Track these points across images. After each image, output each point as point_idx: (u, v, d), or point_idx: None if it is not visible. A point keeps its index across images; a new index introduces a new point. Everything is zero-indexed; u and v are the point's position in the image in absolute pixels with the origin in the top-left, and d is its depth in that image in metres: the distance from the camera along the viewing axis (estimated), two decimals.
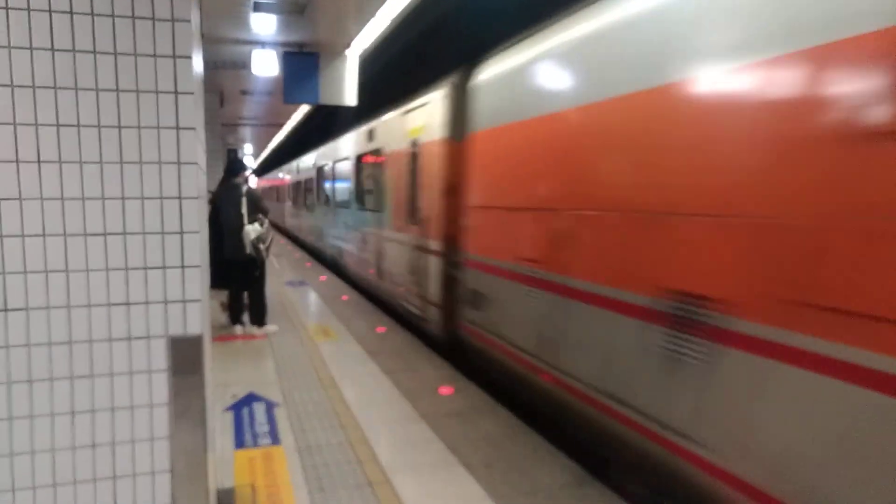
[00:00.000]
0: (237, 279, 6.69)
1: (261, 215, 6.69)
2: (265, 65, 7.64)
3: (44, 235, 2.14)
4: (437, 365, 5.77)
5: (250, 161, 30.38)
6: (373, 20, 6.47)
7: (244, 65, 8.39)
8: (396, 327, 7.38)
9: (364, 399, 4.77)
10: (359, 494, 3.28)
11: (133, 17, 2.15)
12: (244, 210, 6.47)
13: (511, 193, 4.68)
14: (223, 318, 7.04)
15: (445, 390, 4.99)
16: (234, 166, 6.91)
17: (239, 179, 6.76)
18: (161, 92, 2.21)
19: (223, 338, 6.60)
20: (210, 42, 7.47)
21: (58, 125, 2.11)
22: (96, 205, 2.17)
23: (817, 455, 2.29)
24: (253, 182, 32.28)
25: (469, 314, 5.48)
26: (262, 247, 6.56)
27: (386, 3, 5.93)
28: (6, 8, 2.02)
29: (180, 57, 2.22)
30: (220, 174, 7.10)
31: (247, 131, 19.19)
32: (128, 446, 2.31)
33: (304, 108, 13.06)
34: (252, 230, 6.46)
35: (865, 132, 2.11)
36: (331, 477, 3.47)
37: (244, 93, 11.52)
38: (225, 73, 9.22)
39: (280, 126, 17.37)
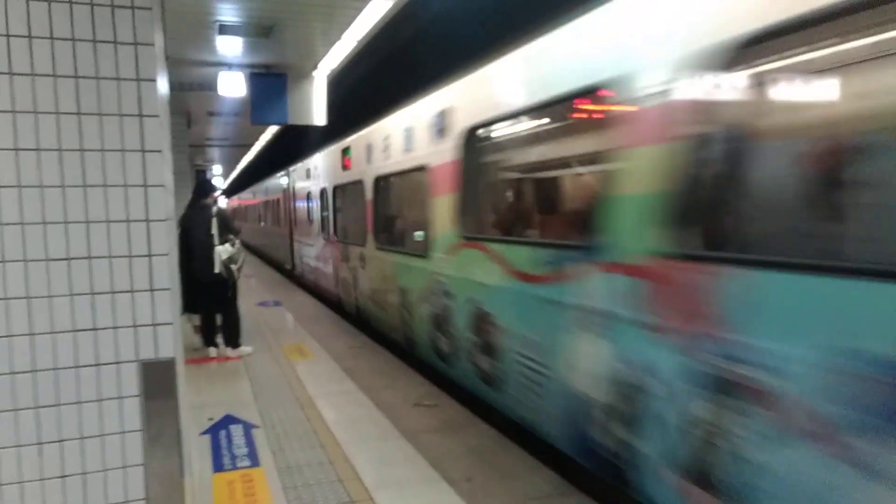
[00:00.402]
0: (209, 301, 6.61)
1: (231, 235, 6.64)
2: (232, 86, 7.61)
3: (3, 262, 2.09)
4: (416, 381, 5.74)
5: (220, 181, 30.04)
6: (339, 42, 6.51)
7: (211, 86, 8.35)
8: (373, 345, 7.33)
9: (343, 417, 4.72)
10: None
11: (94, 40, 2.14)
12: (214, 231, 6.42)
13: None
14: (196, 340, 6.93)
15: (425, 406, 4.96)
16: (204, 187, 6.88)
17: (208, 200, 6.71)
18: (125, 115, 2.20)
19: (197, 360, 6.49)
20: (175, 64, 7.41)
21: (16, 149, 2.08)
22: (58, 229, 2.14)
23: None
24: (223, 202, 31.86)
25: None
26: (233, 267, 6.50)
27: (351, 26, 5.96)
28: None
29: (144, 80, 2.22)
30: (188, 196, 7.03)
31: (215, 152, 19.05)
32: (100, 475, 2.26)
33: (274, 128, 12.95)
34: (223, 250, 6.40)
35: None
36: (312, 496, 3.42)
37: (211, 114, 11.45)
38: (192, 94, 9.17)
39: (249, 146, 17.27)
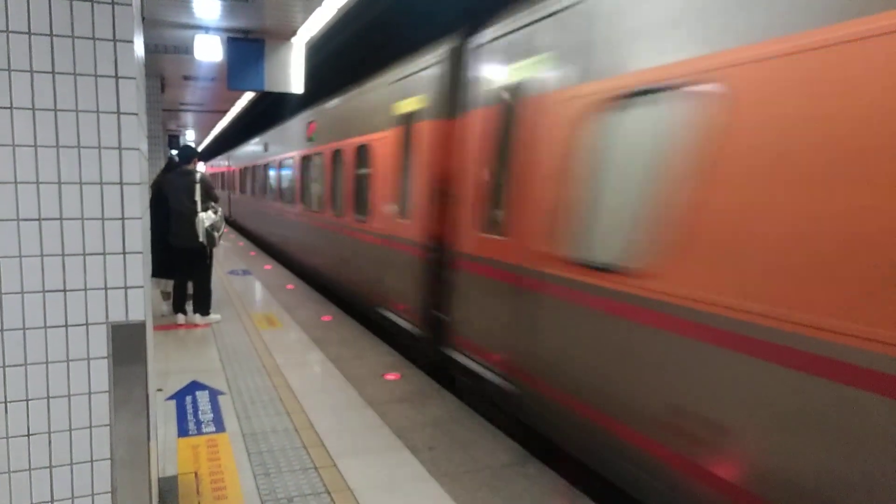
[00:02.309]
0: (183, 267, 6.57)
1: (213, 203, 6.58)
2: (209, 50, 7.48)
3: None
4: (383, 352, 5.82)
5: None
6: (319, 8, 6.43)
7: (187, 50, 8.19)
8: (342, 316, 7.38)
9: (310, 386, 4.78)
10: (304, 478, 3.32)
11: None
12: (198, 197, 6.34)
13: None
14: (164, 307, 6.90)
15: (391, 376, 5.05)
16: (186, 152, 6.77)
17: (191, 166, 6.62)
18: (101, 76, 2.18)
19: (165, 327, 6.48)
20: (151, 25, 7.26)
21: None
22: (30, 189, 2.13)
23: None
24: (202, 168, 31.24)
25: None
26: (215, 234, 6.45)
27: None
28: None
29: (121, 41, 2.20)
30: (160, 160, 6.93)
31: (189, 117, 18.68)
32: (65, 435, 2.28)
33: (249, 94, 12.78)
34: (206, 217, 6.34)
35: None
36: (276, 462, 3.49)
37: (187, 78, 11.23)
38: (167, 57, 8.98)
39: (224, 113, 16.98)
